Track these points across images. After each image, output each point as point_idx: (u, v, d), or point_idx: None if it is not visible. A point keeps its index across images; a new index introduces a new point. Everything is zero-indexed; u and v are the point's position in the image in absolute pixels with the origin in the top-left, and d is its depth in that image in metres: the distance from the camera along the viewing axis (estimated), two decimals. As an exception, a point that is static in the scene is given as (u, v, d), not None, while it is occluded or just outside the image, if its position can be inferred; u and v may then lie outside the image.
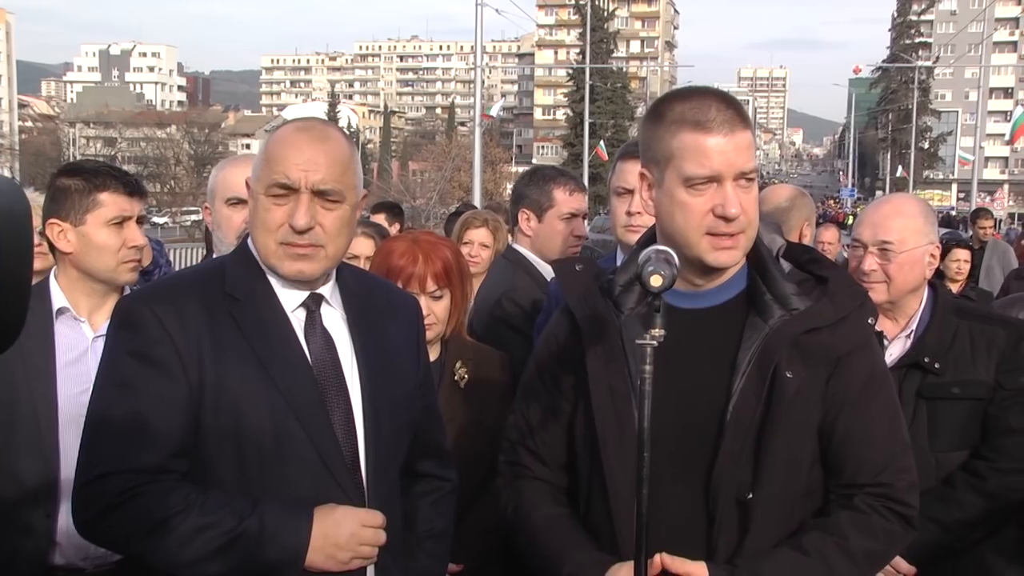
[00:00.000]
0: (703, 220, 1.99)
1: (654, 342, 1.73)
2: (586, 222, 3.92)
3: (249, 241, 2.24)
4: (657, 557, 1.92)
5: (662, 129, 2.02)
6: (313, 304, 2.22)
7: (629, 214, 3.20)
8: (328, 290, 2.25)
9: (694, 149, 1.97)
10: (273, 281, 2.19)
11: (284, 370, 2.12)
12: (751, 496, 1.97)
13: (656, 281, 1.73)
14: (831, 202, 73.65)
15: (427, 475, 2.50)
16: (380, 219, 7.65)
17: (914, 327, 2.97)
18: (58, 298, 2.78)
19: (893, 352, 2.94)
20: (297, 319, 2.20)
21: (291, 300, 2.20)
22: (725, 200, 1.97)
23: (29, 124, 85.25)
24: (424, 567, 2.42)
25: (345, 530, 2.10)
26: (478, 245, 4.99)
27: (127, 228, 2.84)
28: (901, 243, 2.92)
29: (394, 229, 7.00)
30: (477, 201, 22.90)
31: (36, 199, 4.11)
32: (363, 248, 4.52)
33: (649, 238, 2.18)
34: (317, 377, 2.16)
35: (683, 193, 2.00)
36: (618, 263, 3.10)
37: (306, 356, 2.17)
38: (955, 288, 7.17)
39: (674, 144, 1.99)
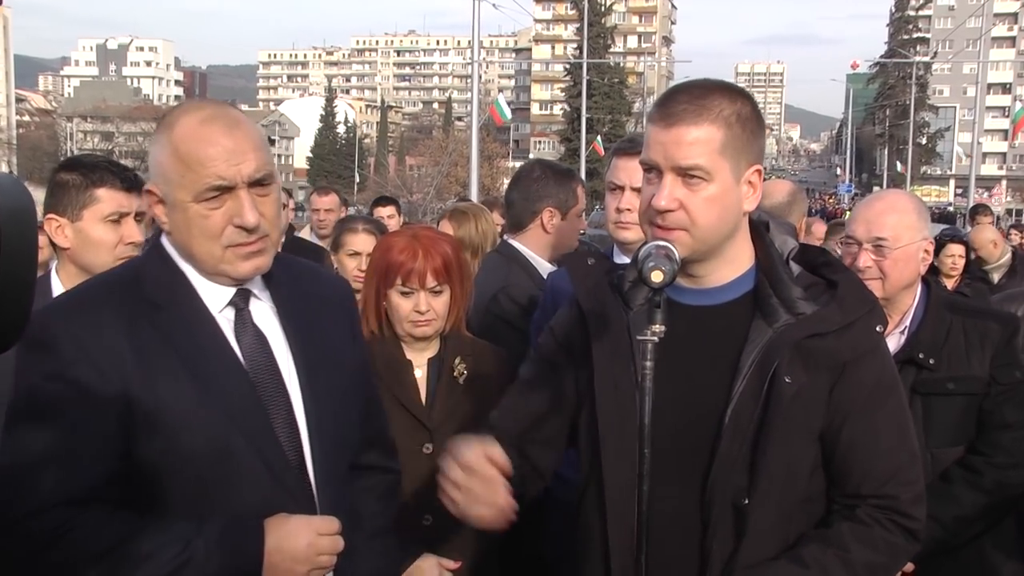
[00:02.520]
0: (647, 210, 2.01)
1: (655, 338, 1.73)
2: (584, 220, 3.94)
3: (164, 241, 2.09)
4: None
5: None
6: (241, 301, 2.09)
7: (619, 211, 3.20)
8: (256, 283, 2.12)
9: (646, 136, 2.02)
10: (195, 282, 2.06)
11: (217, 377, 1.99)
12: (747, 502, 1.96)
13: (657, 277, 1.73)
14: (829, 198, 73.48)
15: (372, 467, 2.38)
16: (392, 211, 7.65)
17: (908, 323, 2.98)
18: (59, 292, 2.78)
19: (887, 348, 2.95)
20: (226, 319, 2.07)
21: (217, 300, 2.07)
22: (657, 191, 1.97)
23: (26, 118, 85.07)
24: (375, 567, 2.30)
25: (302, 542, 1.99)
26: None
27: (125, 224, 2.82)
28: (895, 239, 2.92)
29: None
30: (474, 196, 22.84)
31: (32, 193, 4.12)
32: (365, 245, 4.52)
33: None
34: (253, 380, 2.04)
35: (644, 181, 2.05)
36: (614, 259, 3.12)
37: (239, 359, 2.04)
38: (950, 284, 7.13)
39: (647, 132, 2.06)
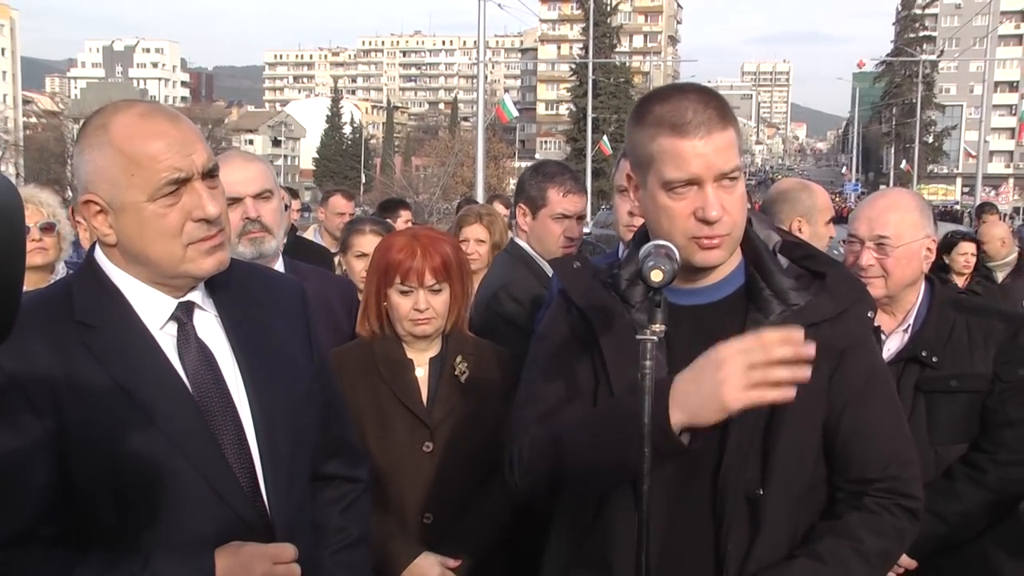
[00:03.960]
0: (686, 224, 1.97)
1: (654, 337, 1.72)
2: (590, 220, 3.92)
3: (97, 256, 1.97)
4: None
5: (643, 132, 2.00)
6: (184, 315, 1.97)
7: (631, 214, 3.19)
8: (199, 294, 2.00)
9: (672, 153, 1.94)
10: (132, 297, 1.93)
11: (157, 399, 1.86)
12: (761, 492, 1.97)
13: (657, 276, 1.72)
14: (835, 197, 73.43)
15: (335, 478, 2.28)
16: (410, 216, 7.54)
17: (911, 321, 2.98)
18: None
19: (891, 347, 2.94)
20: (167, 335, 1.94)
21: (156, 316, 1.94)
22: (705, 203, 1.95)
23: (33, 120, 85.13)
24: None
25: (256, 572, 1.88)
26: (474, 242, 5.00)
27: None
28: (898, 237, 2.92)
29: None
30: (480, 196, 22.86)
31: (38, 194, 4.13)
32: (373, 246, 4.52)
33: (643, 235, 2.15)
34: (198, 400, 1.91)
35: (664, 197, 1.98)
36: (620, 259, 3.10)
37: (181, 378, 1.91)
38: (961, 282, 7.20)
39: (653, 148, 1.97)
